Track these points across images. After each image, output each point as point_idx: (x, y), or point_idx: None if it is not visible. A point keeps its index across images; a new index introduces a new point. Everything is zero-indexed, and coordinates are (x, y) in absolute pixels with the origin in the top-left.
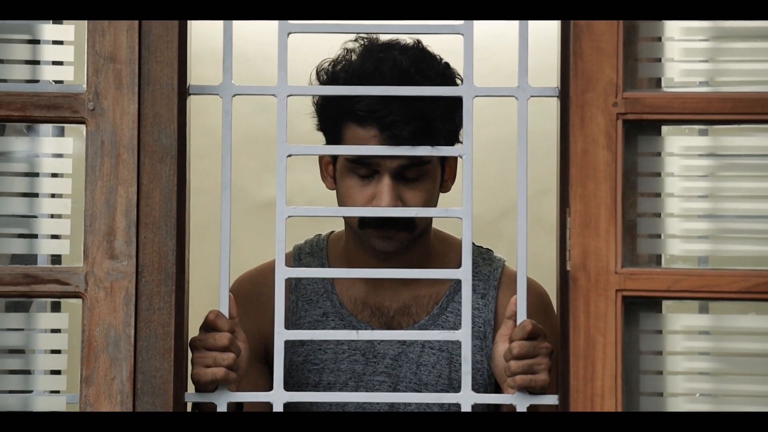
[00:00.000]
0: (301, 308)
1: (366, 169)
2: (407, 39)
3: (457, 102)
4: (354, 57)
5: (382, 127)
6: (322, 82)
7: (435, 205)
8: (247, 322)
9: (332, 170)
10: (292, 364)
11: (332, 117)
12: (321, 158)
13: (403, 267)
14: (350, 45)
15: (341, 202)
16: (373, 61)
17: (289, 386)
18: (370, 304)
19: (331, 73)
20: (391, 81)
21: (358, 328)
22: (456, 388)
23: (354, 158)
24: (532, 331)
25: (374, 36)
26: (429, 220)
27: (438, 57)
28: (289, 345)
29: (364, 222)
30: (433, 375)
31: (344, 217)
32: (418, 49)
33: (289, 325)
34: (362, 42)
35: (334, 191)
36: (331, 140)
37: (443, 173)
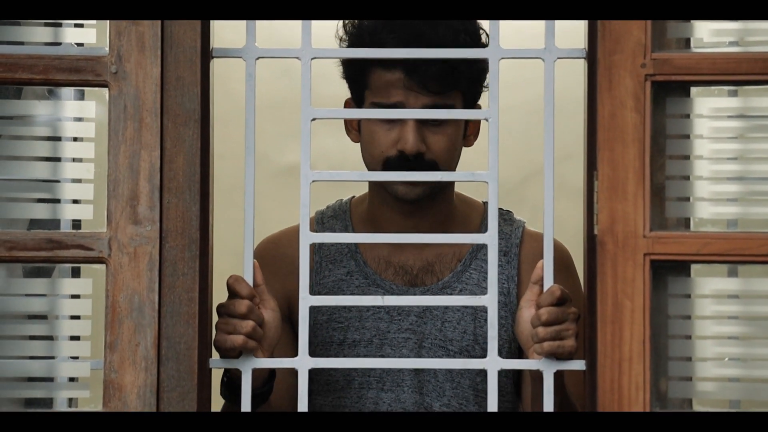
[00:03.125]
0: (325, 268)
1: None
2: None
3: (478, 44)
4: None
5: (408, 70)
6: (348, 32)
7: (458, 156)
8: (271, 281)
9: (356, 123)
10: (316, 322)
11: (358, 62)
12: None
13: (426, 223)
14: None
15: (366, 149)
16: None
17: (313, 345)
18: (393, 263)
19: (356, 27)
20: (416, 23)
21: (383, 287)
22: (481, 343)
23: (379, 101)
24: (561, 297)
25: None
26: (450, 168)
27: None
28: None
29: (388, 165)
30: (458, 331)
31: (368, 166)
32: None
33: (313, 284)
34: None
35: (358, 144)
36: (355, 87)
37: (466, 127)
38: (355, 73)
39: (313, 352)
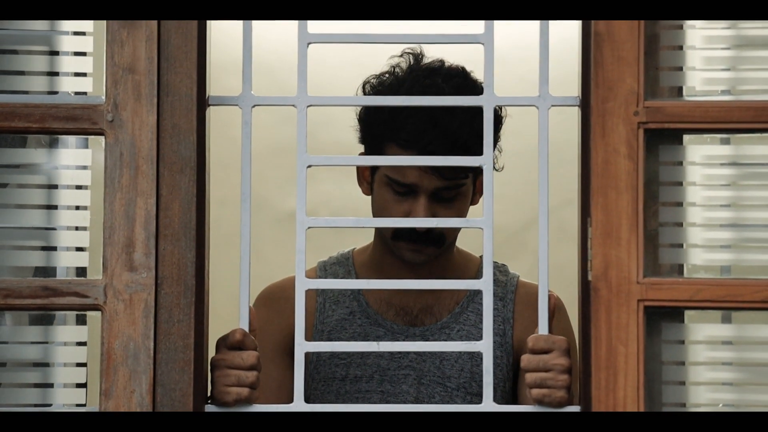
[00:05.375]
0: (329, 308)
1: (404, 187)
2: (451, 61)
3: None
4: (400, 73)
5: (424, 154)
6: (366, 114)
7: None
8: (276, 319)
9: (369, 176)
10: (319, 358)
11: (375, 137)
12: None
13: (427, 274)
14: (395, 60)
15: (376, 212)
16: (418, 89)
17: (316, 380)
18: (394, 304)
19: (377, 90)
20: (433, 109)
21: (384, 326)
22: (477, 381)
23: (395, 177)
24: (541, 348)
25: (419, 51)
26: (455, 234)
27: (480, 85)
28: (317, 339)
29: (398, 235)
30: (456, 368)
31: (378, 229)
32: (462, 76)
33: (316, 323)
34: (408, 59)
35: (363, 196)
36: (370, 153)
37: (474, 188)
38: (372, 144)
39: (316, 388)
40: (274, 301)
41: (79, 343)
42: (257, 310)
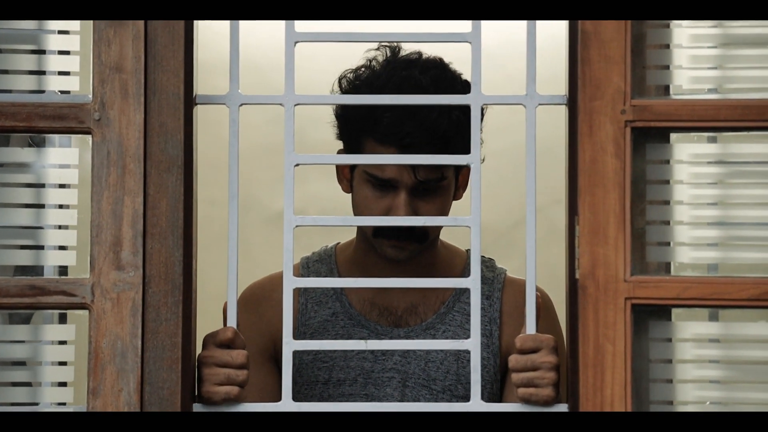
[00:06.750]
0: (311, 309)
1: (383, 182)
2: (429, 54)
3: (469, 119)
4: (376, 66)
5: (402, 148)
6: (344, 91)
7: (447, 215)
8: (257, 323)
9: (348, 174)
10: (301, 362)
11: (353, 132)
12: None
13: (411, 272)
14: (372, 54)
15: (356, 210)
16: (395, 81)
17: (298, 384)
18: (378, 304)
19: (354, 85)
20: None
21: (367, 327)
22: (463, 383)
23: (373, 173)
24: (529, 348)
25: (396, 45)
26: (438, 230)
27: (459, 76)
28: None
29: (379, 232)
30: (441, 371)
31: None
32: (440, 67)
33: (299, 325)
34: (384, 52)
35: (348, 194)
36: (349, 149)
37: (456, 182)
38: (350, 139)
39: (299, 392)
40: (255, 304)
41: (66, 342)
42: (239, 312)
